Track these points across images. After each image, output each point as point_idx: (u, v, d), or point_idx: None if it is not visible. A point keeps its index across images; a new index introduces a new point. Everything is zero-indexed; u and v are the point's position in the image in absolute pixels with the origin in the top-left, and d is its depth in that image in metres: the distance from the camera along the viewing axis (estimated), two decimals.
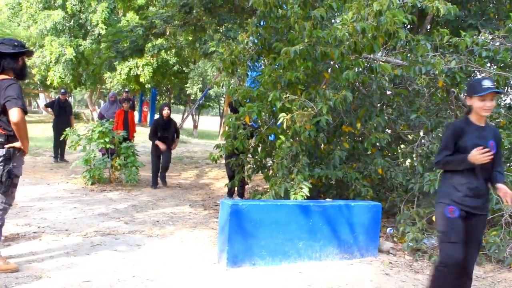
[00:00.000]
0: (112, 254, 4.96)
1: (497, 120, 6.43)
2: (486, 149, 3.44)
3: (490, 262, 5.26)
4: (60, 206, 7.12)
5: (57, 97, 13.64)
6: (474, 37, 6.44)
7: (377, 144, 6.65)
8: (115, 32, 13.55)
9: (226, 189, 8.45)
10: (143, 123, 27.06)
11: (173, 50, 19.68)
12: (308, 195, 5.60)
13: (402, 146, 7.62)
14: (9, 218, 6.11)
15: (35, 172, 10.20)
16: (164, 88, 31.32)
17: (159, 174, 9.65)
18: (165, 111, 9.43)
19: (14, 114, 4.04)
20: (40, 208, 6.86)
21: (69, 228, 5.86)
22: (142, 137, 18.26)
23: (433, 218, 5.95)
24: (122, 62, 16.48)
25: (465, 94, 4.61)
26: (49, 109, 12.67)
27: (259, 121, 7.26)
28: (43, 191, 8.14)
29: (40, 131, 20.78)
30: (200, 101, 26.19)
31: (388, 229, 6.27)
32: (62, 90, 12.71)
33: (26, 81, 31.25)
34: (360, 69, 6.49)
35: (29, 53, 4.52)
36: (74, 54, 20.79)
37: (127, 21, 19.09)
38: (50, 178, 9.58)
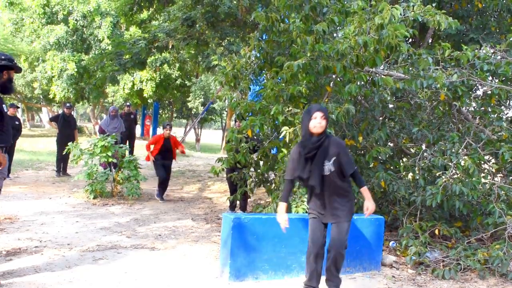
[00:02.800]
0: (114, 268, 4.95)
1: (499, 134, 6.43)
2: None
3: (494, 276, 5.23)
4: (62, 220, 7.12)
5: (61, 111, 13.63)
6: (476, 51, 6.47)
7: (379, 157, 6.65)
8: (118, 44, 13.62)
9: (228, 203, 8.43)
10: (146, 137, 27.13)
11: (177, 65, 19.81)
12: None
13: (404, 159, 7.61)
14: (11, 233, 6.11)
15: (37, 186, 10.20)
16: (167, 102, 31.47)
17: None
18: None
19: None
20: (42, 223, 6.85)
21: (71, 242, 5.85)
22: (144, 150, 18.27)
23: (436, 232, 5.95)
24: (124, 75, 16.53)
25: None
26: (54, 123, 12.62)
27: (261, 134, 7.27)
28: (45, 205, 8.14)
29: (43, 145, 20.82)
30: (203, 115, 26.27)
31: (391, 242, 6.25)
32: (68, 104, 12.70)
33: (29, 95, 31.48)
34: (362, 82, 6.51)
35: (17, 69, 4.47)
36: (76, 69, 20.92)
37: (130, 35, 19.24)
38: (52, 192, 9.58)
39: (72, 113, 13.32)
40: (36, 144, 21.19)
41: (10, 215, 7.08)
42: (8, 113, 10.71)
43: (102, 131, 11.32)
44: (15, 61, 4.50)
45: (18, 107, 10.89)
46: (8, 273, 4.50)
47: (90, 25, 20.96)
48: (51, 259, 5.08)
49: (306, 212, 5.51)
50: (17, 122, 11.16)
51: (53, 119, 12.93)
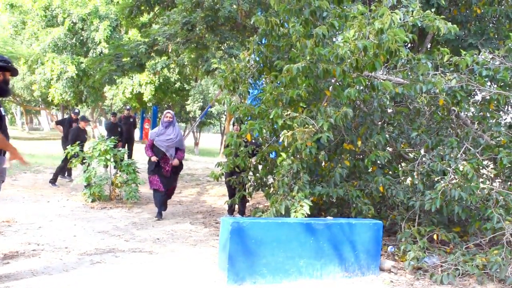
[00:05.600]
0: (112, 272, 4.93)
1: (497, 139, 6.43)
2: None
3: (492, 282, 5.21)
4: (60, 223, 7.10)
5: (68, 115, 13.56)
6: (474, 56, 6.47)
7: (378, 162, 6.65)
8: (117, 46, 13.60)
9: (226, 207, 8.42)
10: (144, 140, 27.10)
11: (176, 69, 19.77)
12: (309, 212, 5.58)
13: (403, 164, 7.61)
14: (8, 236, 6.10)
15: (35, 189, 10.18)
16: (166, 105, 31.48)
17: None
18: None
19: None
20: (40, 226, 6.83)
21: (68, 246, 5.83)
22: (143, 154, 18.23)
23: (435, 237, 5.95)
24: (124, 79, 16.48)
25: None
26: (60, 127, 12.56)
27: (260, 138, 7.27)
28: (43, 208, 8.12)
29: (41, 148, 20.79)
30: (201, 118, 26.28)
31: (389, 247, 6.24)
32: (76, 110, 12.69)
33: (28, 98, 31.46)
34: (362, 87, 6.51)
35: (13, 71, 4.47)
36: (76, 72, 20.92)
37: (129, 38, 19.26)
38: (50, 196, 9.56)
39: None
40: (34, 147, 21.16)
41: (8, 218, 7.06)
42: (80, 126, 10.56)
43: (150, 145, 8.03)
44: (12, 63, 4.48)
45: (89, 121, 10.77)
46: (5, 276, 4.48)
47: (89, 28, 20.96)
48: (49, 263, 5.06)
49: (305, 216, 5.51)
50: (86, 136, 11.20)
51: (59, 123, 12.91)
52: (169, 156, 7.86)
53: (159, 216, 7.96)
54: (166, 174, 7.92)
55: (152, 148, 7.94)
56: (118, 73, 12.69)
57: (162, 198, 8.03)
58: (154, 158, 7.83)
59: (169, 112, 8.12)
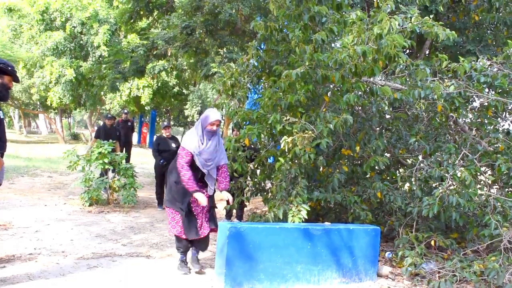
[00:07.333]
0: (109, 276, 4.92)
1: (495, 145, 6.44)
2: None
3: None
4: (57, 227, 7.08)
5: (102, 122, 13.18)
6: (473, 62, 6.49)
7: (376, 167, 6.65)
8: (116, 52, 13.62)
9: (224, 212, 8.41)
10: (142, 144, 27.09)
11: (174, 72, 19.77)
12: (307, 218, 5.58)
13: (401, 170, 7.61)
14: (5, 239, 6.07)
15: (33, 193, 10.15)
16: (164, 109, 31.48)
17: None
18: None
19: None
20: (37, 230, 6.81)
21: (65, 250, 5.81)
22: (140, 158, 18.25)
23: (432, 243, 5.94)
24: (123, 83, 16.48)
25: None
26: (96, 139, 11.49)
27: (258, 143, 7.26)
28: (40, 212, 8.09)
29: (39, 151, 20.76)
30: None
31: (387, 253, 6.23)
32: (109, 115, 12.27)
33: (26, 101, 31.43)
34: (360, 92, 6.52)
35: (14, 76, 4.36)
36: (74, 75, 20.90)
37: (128, 42, 19.28)
38: (47, 199, 9.53)
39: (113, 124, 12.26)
40: (32, 150, 21.14)
41: (5, 222, 7.04)
42: (164, 134, 9.66)
43: (189, 164, 5.10)
44: (13, 67, 4.40)
45: (170, 127, 9.36)
46: (1, 280, 4.47)
47: (88, 31, 20.96)
48: (45, 267, 5.04)
49: (303, 221, 5.50)
50: (174, 145, 9.35)
51: (97, 136, 11.60)
52: (209, 185, 5.38)
53: (185, 268, 5.28)
54: (197, 208, 5.31)
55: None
56: (120, 80, 12.66)
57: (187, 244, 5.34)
58: (202, 199, 5.11)
59: (218, 120, 5.09)
